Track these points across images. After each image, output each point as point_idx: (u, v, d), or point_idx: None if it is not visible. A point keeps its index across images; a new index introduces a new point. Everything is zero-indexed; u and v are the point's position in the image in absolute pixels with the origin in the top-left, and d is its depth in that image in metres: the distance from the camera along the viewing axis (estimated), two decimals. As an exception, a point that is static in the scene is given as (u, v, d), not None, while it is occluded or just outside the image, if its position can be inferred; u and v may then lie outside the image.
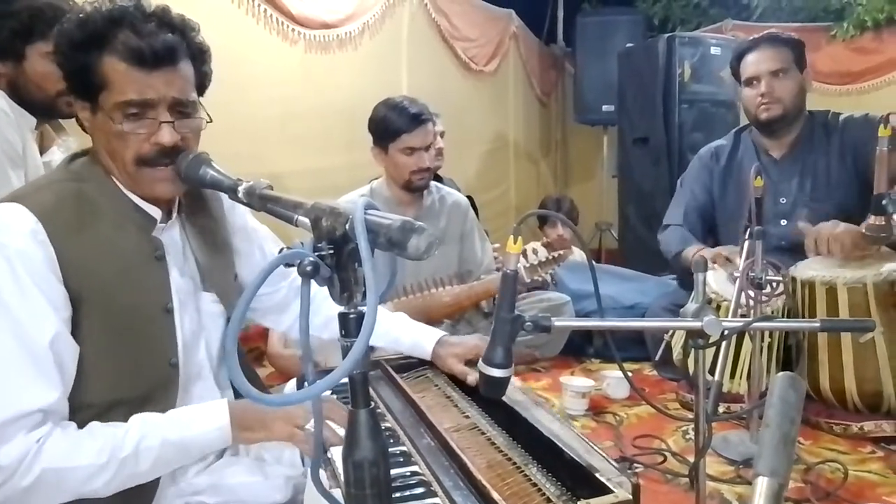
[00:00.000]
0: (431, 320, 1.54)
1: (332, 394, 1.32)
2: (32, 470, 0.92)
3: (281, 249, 0.62)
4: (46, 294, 0.95)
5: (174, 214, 1.15)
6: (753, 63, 2.25)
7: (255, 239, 1.34)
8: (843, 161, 2.23)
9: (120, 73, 1.00)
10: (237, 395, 1.25)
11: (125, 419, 1.03)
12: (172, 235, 1.15)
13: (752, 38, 2.33)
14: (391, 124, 2.29)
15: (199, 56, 1.09)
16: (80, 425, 1.00)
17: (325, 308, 1.25)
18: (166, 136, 1.03)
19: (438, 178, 3.32)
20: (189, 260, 1.18)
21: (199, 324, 1.17)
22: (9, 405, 0.92)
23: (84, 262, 1.00)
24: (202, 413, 1.05)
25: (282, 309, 1.40)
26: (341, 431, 0.77)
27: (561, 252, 2.28)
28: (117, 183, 1.08)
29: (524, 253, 2.25)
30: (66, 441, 0.95)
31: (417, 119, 2.27)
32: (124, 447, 0.97)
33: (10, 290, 0.93)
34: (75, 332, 0.99)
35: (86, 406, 1.01)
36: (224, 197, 1.28)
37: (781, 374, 0.63)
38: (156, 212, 1.10)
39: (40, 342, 0.94)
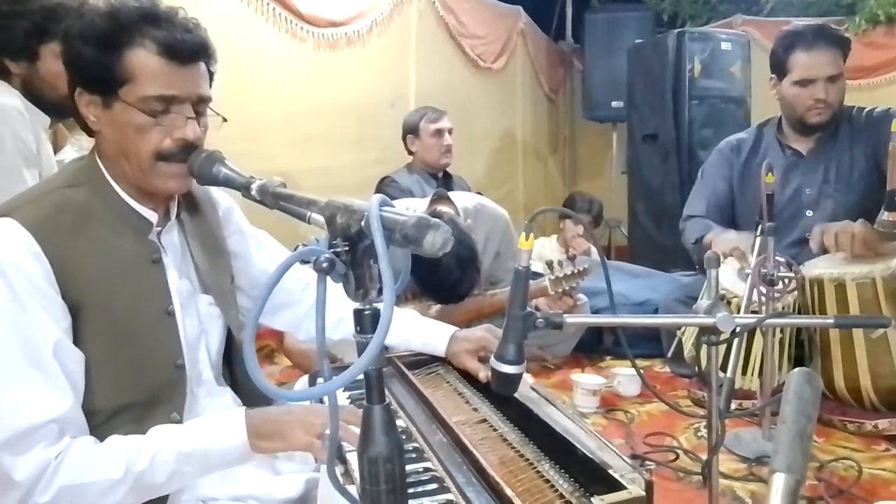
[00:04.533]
0: (452, 325, 1.53)
1: (345, 391, 1.33)
2: (51, 487, 0.92)
3: (297, 247, 0.62)
4: (44, 306, 0.95)
5: (172, 217, 1.15)
6: (811, 65, 2.17)
7: (253, 243, 1.35)
8: (864, 154, 2.21)
9: (151, 67, 1.01)
10: (240, 394, 1.27)
11: (134, 424, 1.04)
12: (171, 238, 1.15)
13: (802, 27, 2.23)
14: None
15: (213, 56, 1.10)
16: (90, 432, 1.00)
17: (335, 308, 1.26)
18: (191, 132, 1.04)
19: (447, 176, 3.32)
20: (188, 262, 1.18)
21: (199, 325, 1.17)
22: (20, 417, 0.92)
23: (80, 270, 1.00)
24: (219, 425, 1.04)
25: (288, 309, 1.40)
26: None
27: (585, 266, 2.26)
28: (114, 186, 1.07)
29: (550, 265, 2.23)
30: (84, 456, 0.95)
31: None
32: (139, 461, 0.97)
33: (7, 305, 0.93)
34: (77, 340, 0.99)
35: (93, 412, 1.01)
36: (219, 202, 1.29)
37: (797, 370, 0.63)
38: (152, 215, 1.10)
39: (44, 353, 0.94)
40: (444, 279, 2.06)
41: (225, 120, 1.12)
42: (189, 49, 1.03)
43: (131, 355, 1.05)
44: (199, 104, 1.07)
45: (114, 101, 1.02)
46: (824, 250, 1.97)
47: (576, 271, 2.22)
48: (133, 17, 1.01)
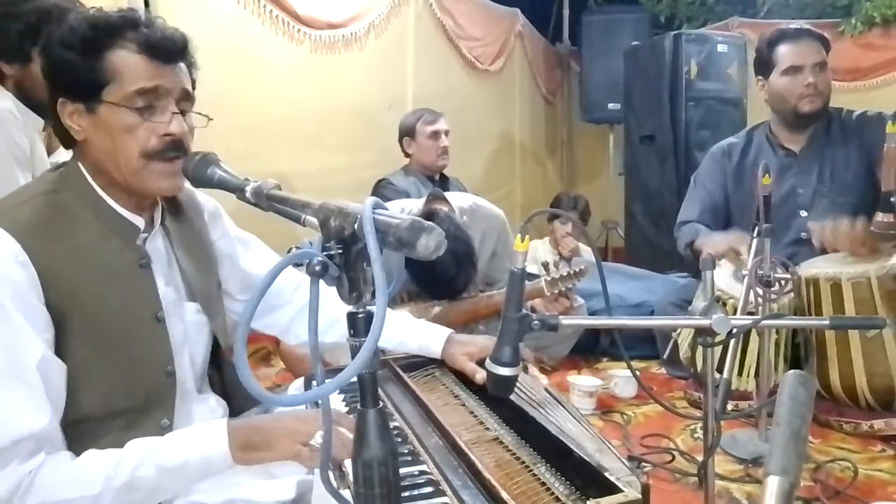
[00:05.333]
0: (449, 326, 1.53)
1: (339, 393, 1.33)
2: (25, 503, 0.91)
3: (290, 249, 0.62)
4: (28, 317, 0.94)
5: (157, 224, 1.14)
6: (797, 53, 2.21)
7: (240, 246, 1.34)
8: (858, 157, 2.23)
9: (133, 65, 1.02)
10: (229, 400, 1.27)
11: (124, 430, 1.03)
12: (157, 245, 1.14)
13: (785, 27, 2.30)
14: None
15: (193, 63, 1.12)
16: (79, 438, 0.99)
17: (328, 310, 1.26)
18: (176, 126, 1.04)
19: (444, 178, 3.32)
20: (174, 269, 1.17)
21: (184, 333, 1.16)
22: None
23: (67, 278, 0.99)
24: (200, 437, 1.03)
25: (275, 311, 1.39)
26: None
27: (582, 267, 2.25)
28: (99, 192, 1.07)
29: (546, 267, 2.22)
30: (59, 472, 0.94)
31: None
32: (118, 476, 0.95)
33: None
34: (62, 349, 0.98)
35: (82, 419, 1.00)
36: (204, 206, 1.29)
37: (791, 372, 0.63)
38: (139, 220, 1.10)
39: (27, 367, 0.93)
40: (440, 275, 2.06)
41: (210, 119, 1.13)
42: (169, 47, 1.04)
43: (121, 362, 1.05)
44: (183, 101, 1.07)
45: (97, 104, 1.02)
46: (824, 249, 1.98)
47: (572, 272, 2.21)
48: (113, 20, 1.03)
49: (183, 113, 1.07)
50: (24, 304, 0.94)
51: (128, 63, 1.02)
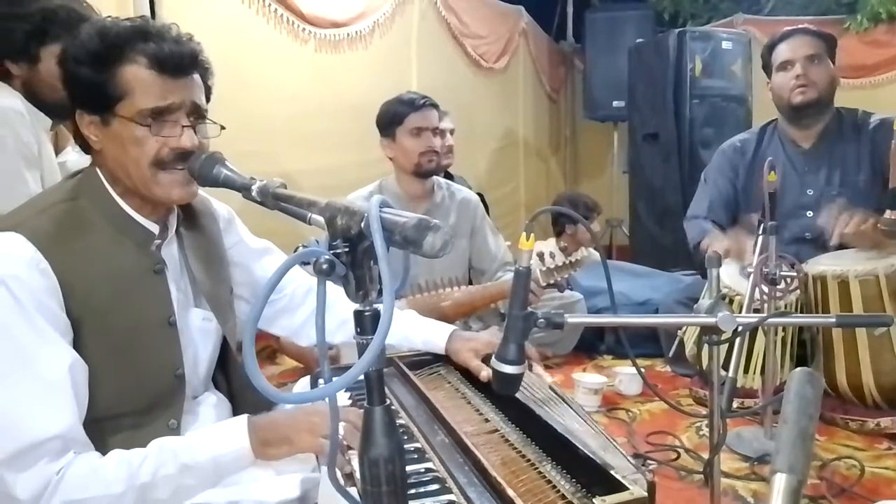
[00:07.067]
0: (445, 319, 1.53)
1: (346, 391, 1.33)
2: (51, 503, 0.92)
3: (296, 248, 0.62)
4: (51, 323, 0.96)
5: (171, 230, 1.16)
6: (788, 48, 2.25)
7: (255, 253, 1.36)
8: (871, 160, 2.21)
9: (144, 81, 1.02)
10: (235, 402, 1.28)
11: (132, 430, 1.05)
12: (171, 251, 1.16)
13: (784, 29, 2.32)
14: (396, 110, 2.42)
15: (207, 70, 1.12)
16: (89, 438, 1.00)
17: (337, 310, 1.27)
18: (187, 140, 1.05)
19: (449, 176, 3.32)
20: (185, 276, 1.19)
21: (188, 338, 1.17)
22: (25, 433, 0.92)
23: (84, 284, 1.00)
24: (221, 435, 1.04)
25: (289, 314, 1.41)
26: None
27: (578, 258, 2.24)
28: (116, 198, 1.08)
29: (541, 256, 2.21)
30: (85, 471, 0.95)
31: (420, 101, 2.40)
32: (141, 475, 0.97)
33: (16, 320, 0.93)
34: (77, 352, 0.99)
35: (92, 420, 1.01)
36: (220, 214, 1.30)
37: (799, 369, 0.63)
38: (154, 227, 1.11)
39: (55, 369, 0.94)
40: None
41: (223, 128, 1.13)
42: (179, 60, 1.04)
43: (133, 365, 1.06)
44: (195, 113, 1.07)
45: (111, 118, 1.03)
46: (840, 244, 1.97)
47: (567, 262, 2.19)
48: (124, 33, 1.03)
49: (196, 124, 1.07)
50: (45, 310, 0.96)
51: (139, 78, 1.02)
